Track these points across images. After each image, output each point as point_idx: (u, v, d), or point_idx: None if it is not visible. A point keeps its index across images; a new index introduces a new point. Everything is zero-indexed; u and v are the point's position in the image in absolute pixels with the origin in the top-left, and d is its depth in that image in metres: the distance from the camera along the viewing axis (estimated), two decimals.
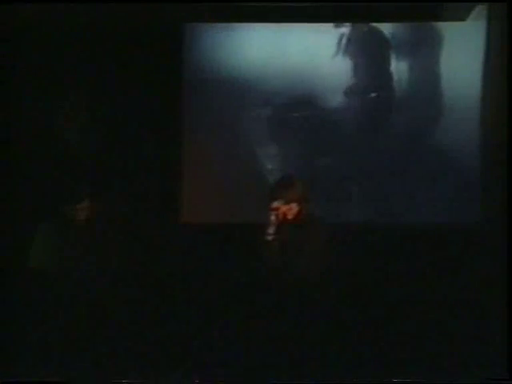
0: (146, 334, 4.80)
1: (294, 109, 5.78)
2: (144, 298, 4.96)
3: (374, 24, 5.69)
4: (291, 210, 4.57)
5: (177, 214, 5.73)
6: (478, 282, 5.10)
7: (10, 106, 5.45)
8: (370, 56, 5.73)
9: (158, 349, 4.72)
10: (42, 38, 5.49)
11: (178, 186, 5.76)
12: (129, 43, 5.57)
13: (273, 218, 4.55)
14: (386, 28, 5.69)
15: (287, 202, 4.56)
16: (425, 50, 5.72)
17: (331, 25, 5.70)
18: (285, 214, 4.58)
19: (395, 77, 5.73)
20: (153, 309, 4.93)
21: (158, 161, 5.65)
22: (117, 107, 5.64)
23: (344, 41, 5.73)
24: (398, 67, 5.72)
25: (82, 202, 4.80)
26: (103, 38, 5.53)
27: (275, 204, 4.56)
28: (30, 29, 5.45)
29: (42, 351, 4.61)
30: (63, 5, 5.16)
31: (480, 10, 5.58)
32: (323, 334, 4.53)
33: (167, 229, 5.56)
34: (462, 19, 5.61)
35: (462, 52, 5.65)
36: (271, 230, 4.55)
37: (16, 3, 5.03)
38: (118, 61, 5.57)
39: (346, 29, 5.71)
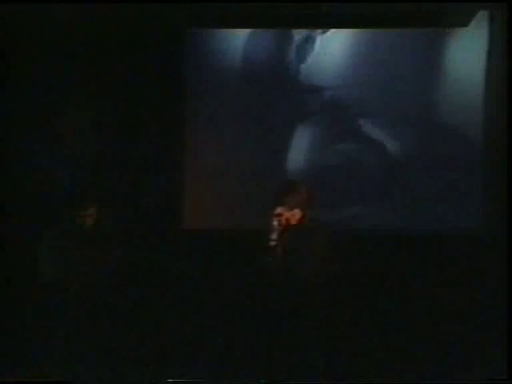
0: (146, 336, 4.82)
1: (299, 115, 5.80)
2: (147, 302, 4.98)
3: (377, 30, 5.69)
4: (294, 215, 4.57)
5: (180, 221, 5.74)
6: (478, 284, 5.13)
7: (13, 112, 5.47)
8: (373, 62, 5.74)
9: (158, 350, 4.74)
10: (44, 43, 5.51)
11: (181, 193, 5.77)
12: (131, 49, 5.59)
13: (276, 223, 4.54)
14: (387, 34, 5.72)
15: (290, 208, 4.56)
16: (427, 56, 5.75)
17: (336, 31, 5.72)
18: (288, 220, 4.57)
19: (395, 82, 5.75)
20: (155, 312, 4.95)
21: (162, 168, 5.66)
22: (120, 114, 5.67)
23: (352, 47, 5.74)
24: (400, 74, 5.75)
25: (88, 209, 4.83)
26: (107, 44, 5.56)
27: (278, 210, 4.55)
28: (29, 43, 5.48)
29: (43, 351, 4.63)
30: (65, 11, 5.18)
31: (481, 16, 5.60)
32: (326, 340, 4.53)
33: (170, 235, 5.58)
34: (464, 25, 5.64)
35: (463, 58, 5.68)
36: (274, 236, 4.54)
37: (16, 3, 5.03)
38: (122, 68, 5.59)
39: (352, 35, 5.73)
